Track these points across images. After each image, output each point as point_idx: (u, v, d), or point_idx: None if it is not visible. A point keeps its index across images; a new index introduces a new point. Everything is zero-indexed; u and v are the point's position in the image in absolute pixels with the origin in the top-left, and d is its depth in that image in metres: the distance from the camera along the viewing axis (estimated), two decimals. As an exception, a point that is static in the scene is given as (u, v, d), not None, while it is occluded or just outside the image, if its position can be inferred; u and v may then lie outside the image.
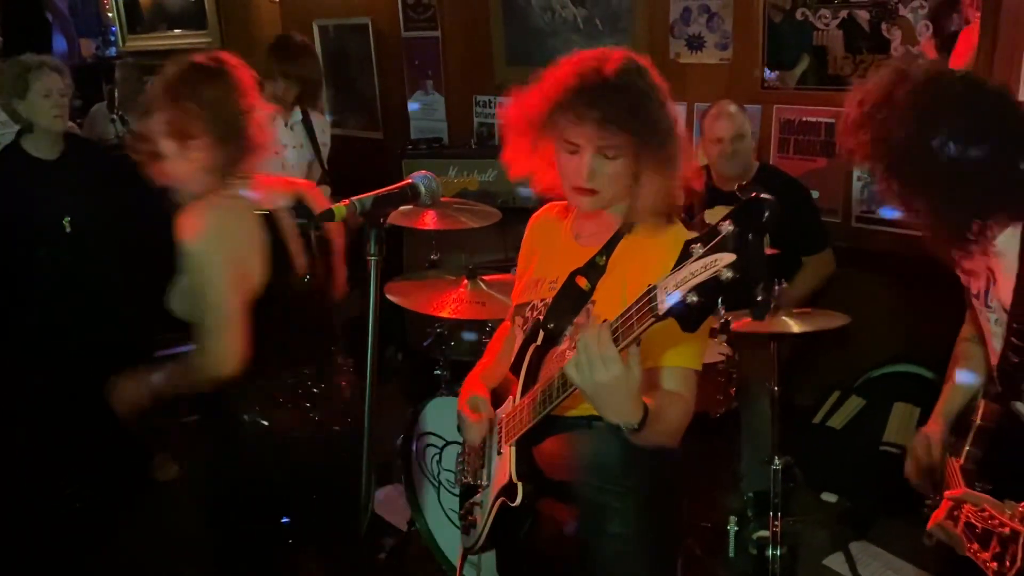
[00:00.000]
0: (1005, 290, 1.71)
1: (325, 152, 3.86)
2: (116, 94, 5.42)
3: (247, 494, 2.14)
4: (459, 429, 1.89)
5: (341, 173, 4.12)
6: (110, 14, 6.63)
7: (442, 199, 2.39)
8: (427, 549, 2.96)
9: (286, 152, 3.69)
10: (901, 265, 3.40)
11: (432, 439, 2.91)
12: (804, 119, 3.62)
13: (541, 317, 1.73)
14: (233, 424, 2.14)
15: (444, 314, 2.91)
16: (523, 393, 1.70)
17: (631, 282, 1.57)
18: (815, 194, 3.47)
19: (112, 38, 6.81)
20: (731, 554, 3.09)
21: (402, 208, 1.54)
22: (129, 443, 3.66)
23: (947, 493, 1.55)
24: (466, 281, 3.00)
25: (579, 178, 1.62)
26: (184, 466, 3.82)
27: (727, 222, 1.17)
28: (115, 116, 4.98)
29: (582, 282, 1.67)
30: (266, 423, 2.14)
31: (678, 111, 1.67)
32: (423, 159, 4.58)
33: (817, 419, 3.56)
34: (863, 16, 3.36)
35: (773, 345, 2.74)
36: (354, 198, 1.36)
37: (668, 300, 1.20)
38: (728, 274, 1.14)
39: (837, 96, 3.48)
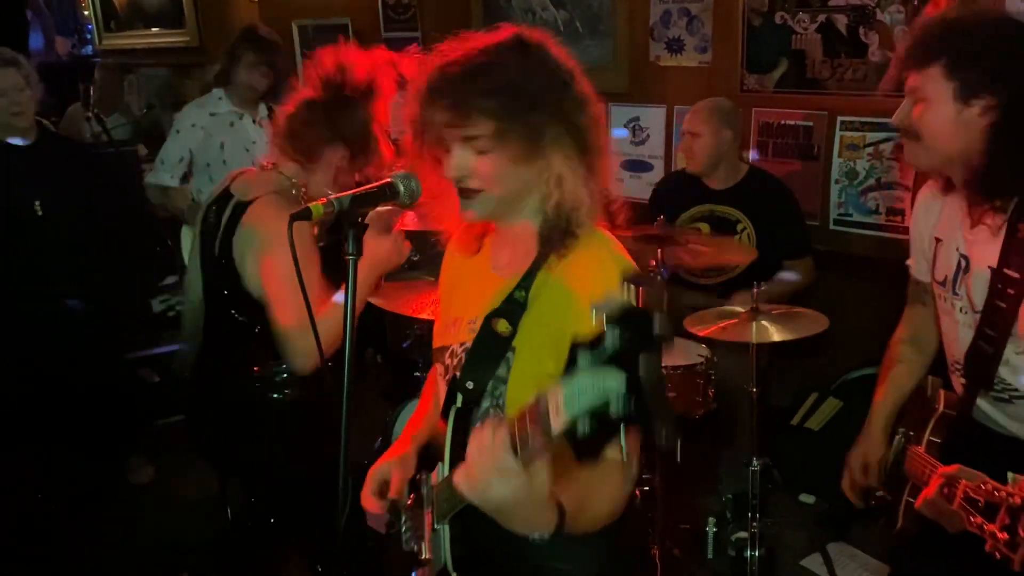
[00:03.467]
0: (980, 276, 1.68)
1: None
2: (92, 93, 5.36)
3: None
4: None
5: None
6: (86, 12, 6.56)
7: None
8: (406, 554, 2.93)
9: (256, 148, 3.65)
10: (878, 268, 3.42)
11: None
12: (782, 122, 3.64)
13: (458, 374, 1.45)
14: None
15: (424, 316, 2.89)
16: (451, 463, 1.43)
17: (553, 323, 1.32)
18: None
19: (88, 36, 6.74)
20: (710, 555, 3.10)
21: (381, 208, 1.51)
22: (103, 444, 3.61)
23: (940, 470, 1.54)
24: (446, 283, 2.98)
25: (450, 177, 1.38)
26: (160, 469, 3.78)
27: (613, 326, 0.92)
28: (90, 115, 4.92)
29: (501, 326, 1.39)
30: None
31: (601, 108, 1.41)
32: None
33: (795, 421, 3.57)
34: (841, 20, 3.38)
35: (752, 347, 2.75)
36: (331, 196, 1.34)
37: (559, 421, 0.97)
38: (619, 406, 0.91)
39: (815, 99, 3.51)
